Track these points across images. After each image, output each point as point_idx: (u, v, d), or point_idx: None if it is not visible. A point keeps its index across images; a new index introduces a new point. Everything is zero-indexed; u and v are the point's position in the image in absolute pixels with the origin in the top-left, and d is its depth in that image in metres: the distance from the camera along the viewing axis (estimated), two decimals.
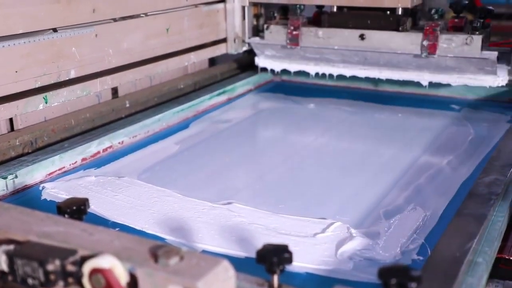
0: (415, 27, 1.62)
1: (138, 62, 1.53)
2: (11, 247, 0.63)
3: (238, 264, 0.63)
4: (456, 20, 1.56)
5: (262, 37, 1.79)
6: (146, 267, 0.58)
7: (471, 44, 1.49)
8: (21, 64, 1.21)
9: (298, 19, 1.69)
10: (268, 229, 0.95)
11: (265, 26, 1.76)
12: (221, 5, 1.82)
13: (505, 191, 0.99)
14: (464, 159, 1.27)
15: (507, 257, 0.91)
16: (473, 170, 1.19)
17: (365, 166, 1.26)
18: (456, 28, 1.56)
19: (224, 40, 1.85)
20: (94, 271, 0.58)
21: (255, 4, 1.88)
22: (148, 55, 1.56)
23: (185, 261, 0.58)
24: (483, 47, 1.50)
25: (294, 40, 1.69)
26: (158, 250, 0.59)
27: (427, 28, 1.53)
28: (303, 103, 1.70)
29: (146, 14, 1.54)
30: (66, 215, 0.74)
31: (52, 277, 0.59)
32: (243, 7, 1.84)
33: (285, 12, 1.82)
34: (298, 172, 1.25)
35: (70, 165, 1.22)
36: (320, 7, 1.75)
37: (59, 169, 1.19)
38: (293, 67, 1.77)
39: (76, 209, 0.75)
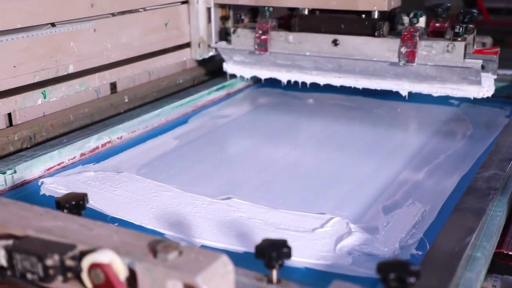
0: (393, 32, 1.48)
1: (136, 57, 1.53)
2: (10, 242, 0.63)
3: (237, 259, 0.63)
4: (437, 24, 1.41)
5: (230, 42, 1.65)
6: (145, 262, 0.58)
7: (452, 52, 1.35)
8: (19, 59, 1.20)
9: (267, 23, 1.55)
10: (267, 224, 0.96)
11: (232, 29, 1.62)
12: (183, 7, 1.67)
13: (503, 186, 0.99)
14: (463, 153, 1.27)
15: (505, 252, 0.91)
16: (472, 165, 1.20)
17: (364, 162, 1.26)
18: (437, 34, 1.41)
19: (188, 45, 1.70)
20: (93, 266, 0.58)
21: (222, 6, 1.73)
22: (147, 50, 1.56)
23: (184, 256, 0.58)
24: (466, 55, 1.37)
25: (262, 46, 1.55)
26: (157, 245, 0.59)
27: (405, 33, 1.38)
28: (303, 98, 1.70)
29: (144, 9, 1.53)
30: (65, 210, 0.74)
31: (51, 272, 0.59)
32: (208, 9, 1.69)
33: (255, 14, 1.68)
34: (297, 166, 1.25)
35: (69, 160, 1.22)
36: (292, 9, 1.62)
37: (58, 164, 1.19)
38: (263, 74, 1.63)
39: (75, 204, 0.75)
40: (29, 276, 0.61)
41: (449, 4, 1.40)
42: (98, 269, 0.58)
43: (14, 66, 1.20)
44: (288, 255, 0.65)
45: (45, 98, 1.28)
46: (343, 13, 1.49)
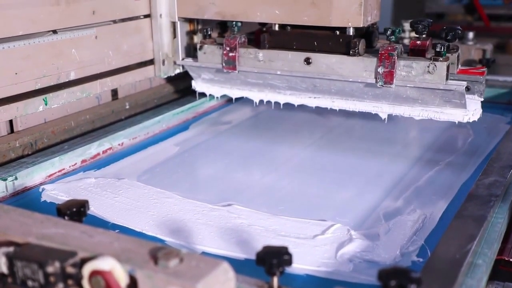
0: (370, 50, 1.33)
1: (137, 64, 1.53)
2: (10, 249, 0.63)
3: (238, 266, 0.63)
4: (418, 42, 1.26)
5: (196, 59, 1.51)
6: (146, 269, 0.58)
7: (434, 73, 1.21)
8: (21, 66, 1.21)
9: (235, 39, 1.42)
10: (267, 230, 0.95)
11: (198, 46, 1.49)
12: (145, 21, 1.53)
13: (504, 193, 0.99)
14: (464, 160, 1.27)
15: (507, 259, 0.91)
16: (472, 172, 1.20)
17: (365, 168, 1.26)
18: (418, 52, 1.27)
19: (151, 62, 1.57)
20: (94, 273, 0.58)
21: (190, 20, 1.59)
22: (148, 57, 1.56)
23: (184, 263, 0.58)
24: (449, 76, 1.23)
25: (230, 63, 1.42)
26: (158, 252, 0.59)
27: (382, 52, 1.24)
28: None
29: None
30: (66, 217, 0.74)
31: (52, 279, 0.59)
32: (173, 23, 1.55)
33: (224, 29, 1.55)
34: (298, 173, 1.25)
35: (70, 166, 1.22)
36: (263, 24, 1.51)
37: (59, 171, 1.19)
38: (234, 93, 1.50)
39: (76, 211, 0.75)
40: (30, 283, 0.61)
41: (430, 20, 1.26)
42: (99, 276, 0.58)
43: (16, 73, 1.20)
44: (289, 262, 0.65)
45: (46, 105, 1.28)
46: (316, 29, 1.36)
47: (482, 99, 1.28)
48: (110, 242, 0.63)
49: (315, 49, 1.35)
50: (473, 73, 1.29)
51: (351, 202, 1.09)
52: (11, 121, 1.26)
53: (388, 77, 1.24)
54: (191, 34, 1.60)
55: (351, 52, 1.29)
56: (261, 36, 1.40)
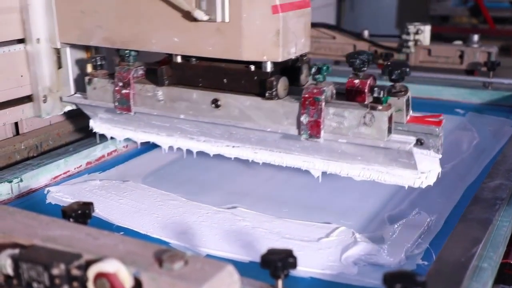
0: (298, 89, 1.02)
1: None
2: (16, 251, 0.63)
3: (243, 268, 0.63)
4: (356, 81, 0.98)
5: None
6: (151, 271, 0.58)
7: (371, 125, 0.92)
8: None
9: (129, 72, 1.12)
10: (272, 233, 0.95)
11: (87, 79, 1.19)
12: (19, 47, 1.21)
13: (510, 196, 0.99)
14: (469, 163, 1.27)
15: None
16: (478, 175, 1.19)
17: None
18: (356, 95, 0.98)
19: (29, 98, 1.25)
20: (99, 276, 0.58)
21: (87, 46, 1.28)
22: None
23: (189, 266, 0.58)
24: (392, 128, 0.94)
25: (124, 103, 1.12)
26: (163, 255, 0.59)
27: (306, 96, 0.95)
28: None
29: None
30: (71, 219, 0.74)
31: (57, 281, 0.59)
32: (57, 50, 1.24)
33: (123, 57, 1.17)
34: (302, 176, 1.24)
35: (75, 168, 1.22)
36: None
37: (64, 173, 1.20)
38: (139, 137, 1.21)
39: (81, 213, 0.76)
40: (35, 285, 0.61)
41: (371, 53, 1.03)
42: (104, 279, 0.58)
43: (22, 76, 1.21)
44: (294, 265, 0.65)
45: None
46: (229, 61, 1.05)
47: (440, 156, 0.99)
48: (115, 245, 0.63)
49: (226, 88, 1.05)
50: (427, 122, 0.99)
51: (355, 205, 1.08)
52: (16, 123, 1.26)
53: (314, 129, 0.96)
54: (85, 63, 1.25)
55: (267, 94, 1.00)
56: (158, 69, 1.09)
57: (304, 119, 0.96)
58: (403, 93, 0.98)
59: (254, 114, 1.03)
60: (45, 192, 1.12)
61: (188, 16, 1.01)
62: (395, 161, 0.96)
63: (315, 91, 0.95)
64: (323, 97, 0.94)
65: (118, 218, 1.02)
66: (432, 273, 0.71)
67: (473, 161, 1.28)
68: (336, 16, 4.18)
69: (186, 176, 1.23)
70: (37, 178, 1.14)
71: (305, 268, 0.84)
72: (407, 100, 0.98)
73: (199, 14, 0.99)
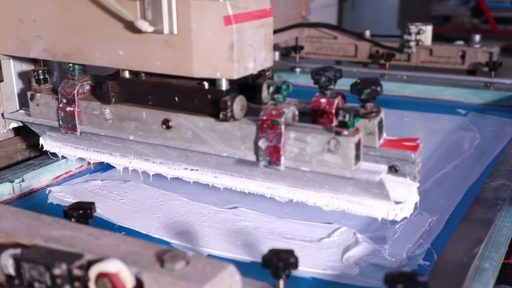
0: (258, 109, 0.89)
1: None
2: (17, 251, 0.63)
3: (244, 268, 0.63)
4: (322, 100, 0.88)
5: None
6: (152, 271, 0.58)
7: (336, 152, 0.81)
8: None
9: (73, 87, 1.02)
10: (273, 233, 0.96)
11: (29, 94, 1.09)
12: None
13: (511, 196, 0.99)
14: (471, 163, 1.27)
15: None
16: (479, 175, 1.19)
17: None
18: (322, 115, 0.88)
19: None
20: (100, 276, 0.59)
21: (34, 60, 1.18)
22: None
23: (191, 266, 0.59)
24: (361, 156, 0.83)
25: (69, 122, 1.03)
26: (164, 255, 0.59)
27: (264, 118, 0.85)
28: None
29: None
30: (73, 219, 0.74)
31: (58, 281, 0.60)
32: None
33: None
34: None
35: (76, 169, 1.22)
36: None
37: (66, 173, 1.20)
38: (91, 157, 1.12)
39: (82, 213, 0.76)
40: (36, 285, 0.61)
41: (338, 69, 0.89)
42: (105, 279, 0.58)
43: None
44: (295, 265, 0.65)
45: None
46: (180, 77, 0.95)
47: (418, 184, 0.87)
48: (117, 245, 0.63)
49: (178, 107, 0.95)
50: (403, 147, 0.87)
51: None
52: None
53: (273, 155, 0.85)
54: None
55: (221, 116, 0.89)
56: (103, 85, 1.00)
57: (262, 144, 0.85)
58: (374, 114, 0.86)
59: (208, 137, 0.92)
60: (47, 192, 1.12)
61: (133, 27, 0.91)
62: (366, 191, 0.86)
63: (273, 112, 0.84)
64: (282, 119, 0.83)
65: (119, 218, 1.02)
66: (433, 273, 0.71)
67: (474, 161, 1.28)
68: (338, 16, 4.18)
69: None
70: (38, 178, 1.14)
71: (306, 268, 0.84)
72: (380, 122, 0.87)
73: (144, 25, 0.89)
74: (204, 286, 0.55)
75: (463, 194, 1.10)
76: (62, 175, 1.19)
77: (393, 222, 0.99)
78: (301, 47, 2.06)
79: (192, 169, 1.01)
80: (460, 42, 1.96)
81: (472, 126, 1.52)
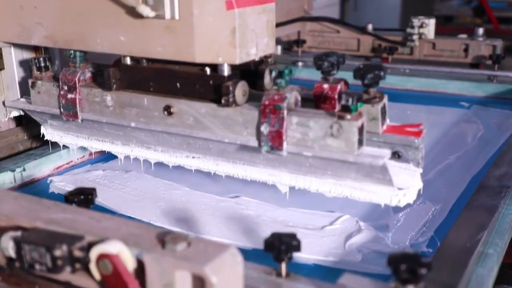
0: (260, 96, 0.88)
1: None
2: (18, 233, 0.63)
3: (246, 255, 0.62)
4: (325, 86, 0.86)
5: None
6: (153, 252, 0.57)
7: (339, 137, 0.81)
8: None
9: (74, 74, 1.02)
10: (275, 221, 0.95)
11: (30, 82, 1.09)
12: None
13: None
14: (474, 154, 1.26)
15: None
16: (483, 165, 1.18)
17: None
18: (324, 101, 0.86)
19: None
20: (101, 257, 0.58)
21: (36, 47, 1.19)
22: None
23: (192, 247, 0.58)
24: (363, 140, 0.82)
25: (70, 109, 1.03)
26: (166, 237, 0.59)
27: (266, 103, 0.84)
28: None
29: None
30: (74, 204, 0.74)
31: (59, 262, 0.59)
32: None
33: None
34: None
35: (77, 159, 1.22)
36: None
37: (67, 163, 1.20)
38: (92, 145, 1.11)
39: (83, 198, 0.75)
40: (37, 267, 0.60)
41: (341, 54, 0.88)
42: (106, 260, 0.58)
43: None
44: (298, 248, 0.65)
45: None
46: (182, 63, 0.95)
47: (421, 170, 0.88)
48: (118, 227, 0.63)
49: (179, 93, 0.95)
50: (406, 133, 0.87)
51: None
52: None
53: (276, 140, 0.84)
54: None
55: (222, 101, 0.89)
56: (104, 72, 0.99)
57: (264, 129, 0.85)
58: (378, 99, 0.86)
59: (210, 123, 0.92)
60: (48, 181, 1.12)
61: (134, 12, 0.91)
62: (369, 177, 0.85)
63: (276, 97, 0.83)
64: (285, 104, 0.82)
65: (120, 206, 1.01)
66: (437, 258, 0.70)
67: (477, 152, 1.28)
68: (340, 16, 4.17)
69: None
70: (40, 167, 1.14)
71: (308, 255, 0.83)
72: (383, 108, 0.86)
73: (145, 10, 0.88)
74: (206, 266, 0.55)
75: (467, 184, 1.10)
76: (63, 165, 1.19)
77: (396, 210, 0.98)
78: (303, 41, 2.05)
79: (193, 157, 1.01)
80: (464, 36, 1.95)
81: (475, 118, 1.51)
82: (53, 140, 1.15)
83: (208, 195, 1.05)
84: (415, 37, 1.89)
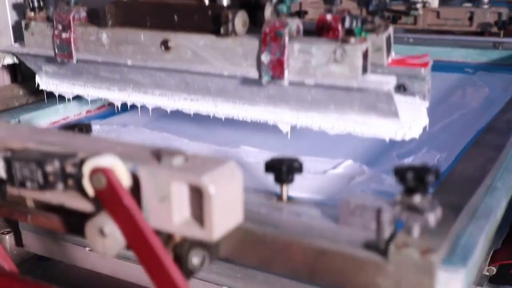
0: (256, 28, 0.86)
1: None
2: (8, 153, 0.61)
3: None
4: (327, 16, 0.81)
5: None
6: (149, 166, 0.55)
7: (342, 62, 0.77)
8: None
9: (69, 13, 0.99)
10: None
11: (24, 23, 1.06)
12: None
13: None
14: (479, 112, 1.24)
15: None
16: (488, 121, 1.16)
17: None
18: (328, 31, 0.81)
19: None
20: (95, 171, 0.56)
21: None
22: None
23: (189, 162, 0.56)
24: (368, 67, 0.78)
25: (64, 49, 1.00)
26: (162, 152, 0.57)
27: (267, 31, 0.81)
28: None
29: None
30: None
31: (51, 178, 0.57)
32: None
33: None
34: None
35: (74, 116, 1.20)
36: None
37: (63, 119, 1.17)
38: (89, 92, 1.08)
39: (78, 130, 0.73)
40: (28, 184, 0.58)
41: None
42: (100, 174, 0.55)
43: None
44: (299, 169, 0.62)
45: None
46: None
47: (427, 104, 0.87)
48: (113, 147, 0.61)
49: (177, 27, 0.92)
50: (411, 64, 0.85)
51: (363, 143, 1.04)
52: (15, 69, 1.23)
53: (277, 69, 0.81)
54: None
55: (221, 30, 0.85)
56: (100, 8, 0.98)
57: (265, 57, 0.81)
58: (382, 28, 0.82)
59: (209, 56, 0.88)
60: None
61: None
62: (373, 108, 0.81)
63: (277, 24, 0.80)
64: (286, 31, 0.79)
65: None
66: (444, 185, 0.68)
67: (483, 110, 1.25)
68: None
69: (190, 121, 1.19)
70: (35, 121, 1.11)
71: (310, 195, 0.81)
72: (388, 38, 0.82)
73: None
74: (203, 176, 0.52)
75: (471, 137, 1.07)
76: (59, 120, 1.16)
77: (400, 156, 0.96)
78: (305, 12, 2.02)
79: (192, 99, 0.98)
80: (468, 4, 1.92)
81: (481, 82, 1.49)
82: (48, 89, 1.12)
83: (208, 145, 1.03)
84: (419, 5, 1.86)
